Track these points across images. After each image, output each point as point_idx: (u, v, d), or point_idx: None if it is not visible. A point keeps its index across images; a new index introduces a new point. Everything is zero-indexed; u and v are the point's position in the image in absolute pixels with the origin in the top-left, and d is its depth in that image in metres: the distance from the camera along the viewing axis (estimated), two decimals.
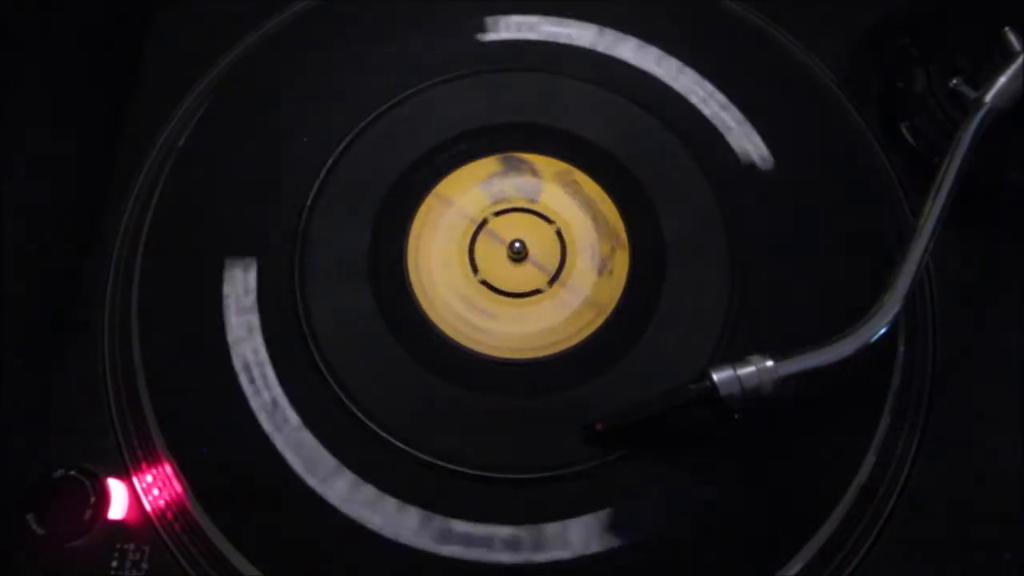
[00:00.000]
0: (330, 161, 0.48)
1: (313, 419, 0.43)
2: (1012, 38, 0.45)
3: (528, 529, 0.41)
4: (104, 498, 0.42)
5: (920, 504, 0.42)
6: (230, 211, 0.48)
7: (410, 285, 0.46)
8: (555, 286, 0.47)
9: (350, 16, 0.53)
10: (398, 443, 0.42)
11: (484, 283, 0.47)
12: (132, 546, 0.42)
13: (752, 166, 0.48)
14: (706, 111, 0.50)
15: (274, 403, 0.43)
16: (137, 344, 0.45)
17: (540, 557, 0.41)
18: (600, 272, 0.47)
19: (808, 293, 0.46)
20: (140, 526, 0.42)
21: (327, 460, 0.42)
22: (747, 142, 0.49)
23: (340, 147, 0.49)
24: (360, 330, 0.45)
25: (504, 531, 0.41)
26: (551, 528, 0.41)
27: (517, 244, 0.47)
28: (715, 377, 0.39)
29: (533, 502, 0.42)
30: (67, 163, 0.50)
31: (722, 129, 0.49)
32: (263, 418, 0.43)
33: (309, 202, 0.47)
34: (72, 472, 0.42)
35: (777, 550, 0.41)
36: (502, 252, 0.47)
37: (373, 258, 0.47)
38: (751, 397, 0.39)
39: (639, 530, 0.41)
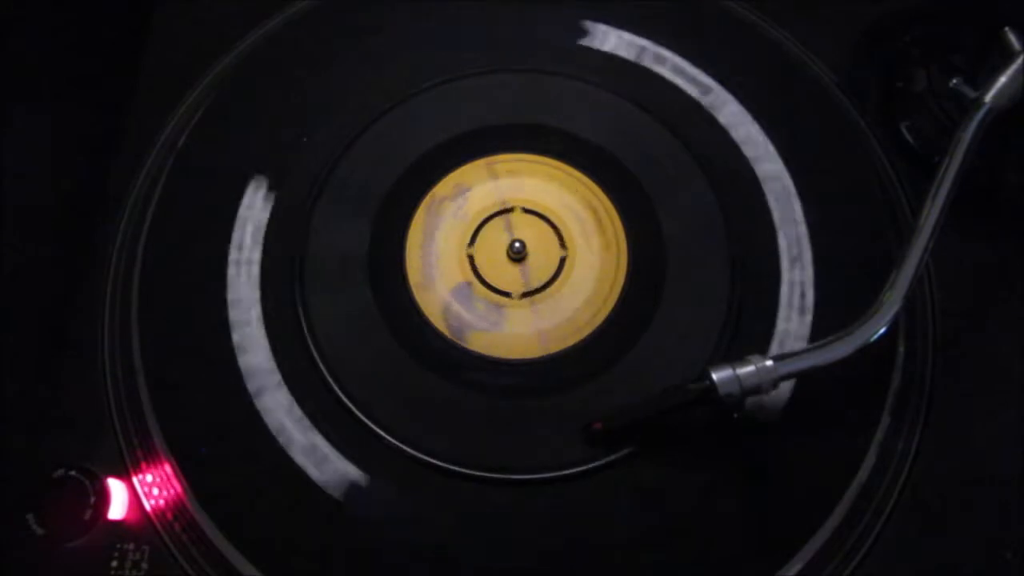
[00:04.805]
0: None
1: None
2: (1012, 38, 0.45)
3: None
4: (104, 498, 0.42)
5: (920, 504, 0.42)
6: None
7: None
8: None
9: (350, 16, 0.53)
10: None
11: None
12: (132, 546, 0.42)
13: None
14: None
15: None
16: (137, 344, 0.45)
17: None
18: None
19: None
20: (140, 526, 0.42)
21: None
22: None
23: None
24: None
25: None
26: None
27: (517, 244, 0.47)
28: (714, 376, 0.39)
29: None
30: (67, 163, 0.50)
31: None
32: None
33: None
34: (72, 472, 0.42)
35: (777, 550, 0.41)
36: (502, 252, 0.47)
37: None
38: (750, 396, 0.39)
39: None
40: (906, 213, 0.48)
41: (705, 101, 0.50)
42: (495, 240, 0.48)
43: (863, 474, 0.42)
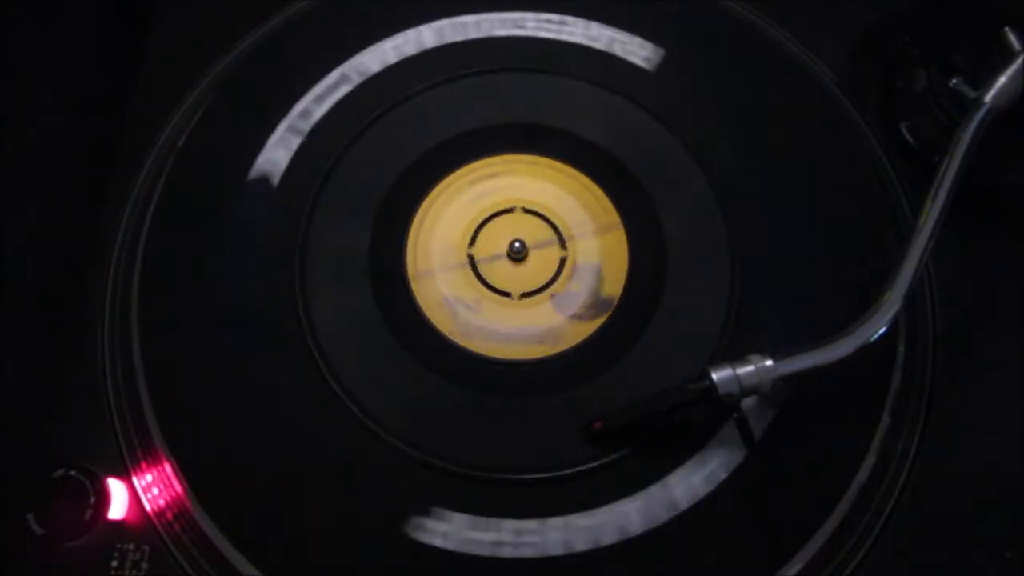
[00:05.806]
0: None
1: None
2: (1012, 38, 0.45)
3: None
4: (104, 498, 0.42)
5: (920, 504, 0.42)
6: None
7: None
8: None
9: (350, 16, 0.53)
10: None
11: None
12: (132, 546, 0.42)
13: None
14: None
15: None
16: (137, 344, 0.45)
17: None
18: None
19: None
20: (140, 526, 0.42)
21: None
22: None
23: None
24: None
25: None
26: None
27: (517, 244, 0.47)
28: (714, 376, 0.39)
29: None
30: (67, 163, 0.50)
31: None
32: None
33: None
34: (72, 472, 0.42)
35: (777, 550, 0.41)
36: (502, 252, 0.47)
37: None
38: (749, 396, 0.39)
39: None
40: (906, 213, 0.48)
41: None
42: (495, 240, 0.48)
43: (863, 474, 0.42)
